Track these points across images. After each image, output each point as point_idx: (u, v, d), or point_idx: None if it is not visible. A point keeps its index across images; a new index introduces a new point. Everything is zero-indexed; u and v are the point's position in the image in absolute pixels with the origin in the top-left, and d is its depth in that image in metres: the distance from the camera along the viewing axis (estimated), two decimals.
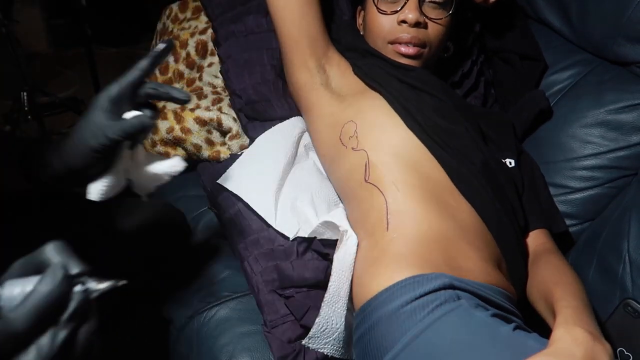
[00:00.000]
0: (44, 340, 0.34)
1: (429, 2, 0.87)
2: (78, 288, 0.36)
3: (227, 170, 0.90)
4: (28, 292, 0.33)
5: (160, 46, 0.57)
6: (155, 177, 0.61)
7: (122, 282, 0.39)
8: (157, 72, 1.10)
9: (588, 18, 0.97)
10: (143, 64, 0.56)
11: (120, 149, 0.57)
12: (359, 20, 0.99)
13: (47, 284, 0.34)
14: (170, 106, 1.03)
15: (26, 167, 0.58)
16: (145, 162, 0.60)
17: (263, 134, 0.95)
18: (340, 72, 0.90)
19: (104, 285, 0.38)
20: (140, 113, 0.56)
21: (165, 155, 1.02)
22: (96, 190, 0.56)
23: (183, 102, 0.58)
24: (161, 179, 0.61)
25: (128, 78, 0.55)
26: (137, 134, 0.54)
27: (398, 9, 0.86)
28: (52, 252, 0.36)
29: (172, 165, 0.61)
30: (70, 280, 0.35)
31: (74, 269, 0.36)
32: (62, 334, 0.35)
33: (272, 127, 0.95)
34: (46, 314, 0.34)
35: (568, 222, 0.94)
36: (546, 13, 1.05)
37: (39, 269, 0.36)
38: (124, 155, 0.58)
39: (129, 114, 0.55)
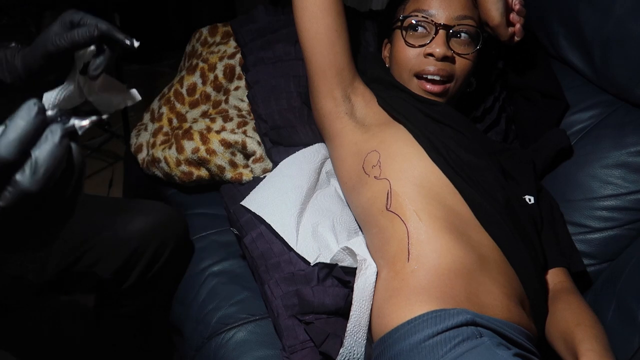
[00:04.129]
0: (37, 151, 0.37)
1: (457, 37, 0.89)
2: (59, 119, 0.39)
3: (251, 193, 0.92)
4: (4, 126, 0.36)
5: (133, 42, 0.62)
6: (113, 103, 0.65)
7: (105, 117, 0.42)
8: (184, 92, 1.13)
9: (610, 60, 0.98)
10: (103, 24, 0.60)
11: (75, 66, 0.61)
12: (385, 53, 1.01)
13: (23, 115, 0.37)
14: (197, 127, 1.06)
15: None
16: (101, 87, 0.64)
17: (286, 159, 0.97)
18: (365, 102, 0.92)
19: (86, 121, 0.41)
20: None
21: (189, 175, 1.04)
22: (49, 97, 0.60)
23: (129, 47, 0.62)
24: (119, 105, 0.66)
25: (91, 17, 0.61)
26: (84, 46, 0.59)
27: (426, 43, 0.89)
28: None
29: (128, 97, 0.65)
30: (43, 109, 0.38)
31: (52, 109, 0.40)
32: (54, 142, 0.38)
33: (296, 152, 0.97)
34: (26, 140, 0.37)
35: (586, 261, 0.94)
36: (569, 53, 1.07)
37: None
38: (80, 77, 0.62)
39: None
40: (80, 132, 0.41)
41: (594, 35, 1.00)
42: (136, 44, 0.62)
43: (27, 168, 0.37)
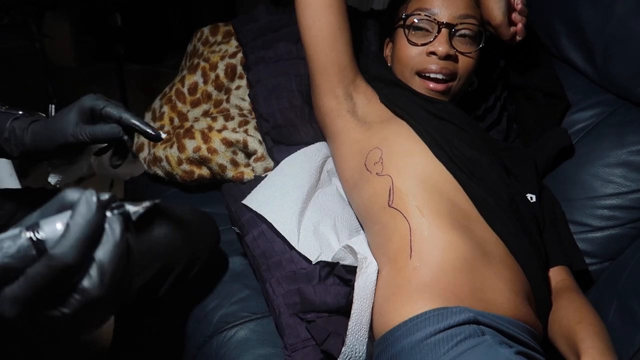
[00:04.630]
0: (100, 253, 0.35)
1: (459, 36, 0.89)
2: (115, 211, 0.36)
3: (252, 191, 0.92)
4: (65, 226, 0.33)
5: (159, 134, 0.63)
6: (120, 174, 0.66)
7: (156, 201, 0.39)
8: (186, 92, 1.13)
9: (612, 60, 0.98)
10: (128, 119, 0.61)
11: (89, 150, 0.64)
12: (387, 52, 1.01)
13: (82, 212, 0.34)
14: (198, 126, 1.06)
15: None
16: (110, 164, 0.65)
17: (288, 158, 0.97)
18: (367, 100, 0.92)
19: (140, 207, 0.38)
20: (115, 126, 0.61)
21: (190, 174, 1.04)
22: (55, 179, 0.62)
23: (154, 139, 0.62)
24: (126, 177, 0.68)
25: (113, 106, 0.62)
26: (105, 141, 0.61)
27: (428, 41, 0.89)
28: (73, 192, 0.36)
29: (135, 169, 0.67)
30: (104, 205, 0.35)
31: (104, 195, 0.36)
32: (115, 240, 0.35)
33: (297, 151, 0.97)
34: (89, 241, 0.34)
35: (588, 260, 0.94)
36: (570, 53, 1.07)
37: (65, 206, 0.36)
38: (90, 158, 0.63)
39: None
40: (134, 219, 0.37)
41: (595, 34, 1.00)
42: (163, 135, 0.63)
43: (94, 273, 0.34)
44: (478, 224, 0.76)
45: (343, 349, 0.68)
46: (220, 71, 1.12)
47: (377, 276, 0.74)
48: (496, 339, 0.63)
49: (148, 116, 1.18)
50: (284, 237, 0.83)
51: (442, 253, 0.71)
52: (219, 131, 1.03)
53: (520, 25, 0.92)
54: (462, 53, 0.89)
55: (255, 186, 0.93)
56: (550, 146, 1.00)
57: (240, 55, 1.12)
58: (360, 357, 0.69)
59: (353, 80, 0.91)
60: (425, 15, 0.89)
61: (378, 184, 0.80)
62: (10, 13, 1.93)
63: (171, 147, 1.04)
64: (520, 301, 0.71)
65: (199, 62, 1.14)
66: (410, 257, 0.72)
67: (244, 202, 0.90)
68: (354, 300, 0.71)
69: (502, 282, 0.71)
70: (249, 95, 1.06)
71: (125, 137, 0.61)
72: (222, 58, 1.14)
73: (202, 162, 1.03)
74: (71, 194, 0.35)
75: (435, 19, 0.88)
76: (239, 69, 1.12)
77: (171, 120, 1.12)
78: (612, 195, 0.95)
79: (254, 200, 0.89)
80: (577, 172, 0.99)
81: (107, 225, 0.35)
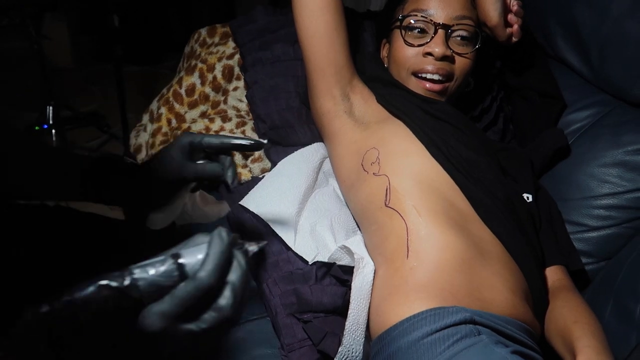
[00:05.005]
0: (233, 277, 0.41)
1: (456, 36, 0.89)
2: (238, 247, 0.44)
3: (249, 192, 0.92)
4: (205, 255, 0.41)
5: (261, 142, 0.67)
6: (209, 215, 0.68)
7: (266, 242, 0.48)
8: (183, 93, 1.13)
9: (607, 60, 0.99)
10: (229, 141, 0.65)
11: (185, 189, 0.66)
12: (383, 53, 1.01)
13: (218, 244, 0.41)
14: (195, 128, 1.06)
15: (89, 185, 0.64)
16: (201, 202, 0.68)
17: (285, 158, 0.97)
18: (364, 100, 0.92)
19: (255, 246, 0.46)
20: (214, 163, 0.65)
21: None
22: (157, 219, 0.65)
23: (259, 147, 0.66)
24: (213, 217, 0.69)
25: (211, 136, 0.65)
26: (210, 179, 0.64)
27: (425, 42, 0.89)
28: (203, 235, 0.44)
29: (221, 210, 0.73)
30: (231, 240, 0.43)
31: (230, 234, 0.43)
32: (243, 268, 0.42)
33: (294, 152, 0.98)
34: (223, 267, 0.41)
35: (584, 260, 0.94)
36: (566, 53, 1.07)
37: (196, 243, 0.43)
38: (186, 195, 0.66)
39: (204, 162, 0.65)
40: (249, 255, 0.45)
41: (591, 35, 1.00)
42: (264, 141, 0.68)
43: (228, 293, 0.41)
44: (475, 223, 0.76)
45: (340, 349, 0.69)
46: (218, 72, 1.13)
47: (374, 276, 0.74)
48: (492, 338, 0.63)
49: (146, 117, 1.18)
50: (280, 238, 0.84)
51: (439, 253, 0.71)
52: (217, 132, 1.03)
53: (516, 27, 0.93)
54: (458, 54, 0.89)
55: (253, 187, 0.94)
56: (546, 146, 1.00)
57: (237, 56, 1.12)
58: (356, 357, 0.70)
59: (350, 81, 0.92)
60: (421, 16, 0.89)
61: (375, 184, 0.81)
62: (9, 14, 1.94)
63: None
64: (518, 300, 0.71)
65: (196, 64, 1.14)
66: (407, 257, 0.72)
67: (242, 202, 0.90)
68: (351, 300, 0.71)
69: (500, 281, 0.71)
70: (246, 96, 1.06)
71: (229, 175, 0.64)
72: (220, 59, 1.14)
73: None
74: (201, 236, 0.43)
75: (431, 20, 0.88)
76: (237, 70, 1.12)
77: (169, 121, 1.12)
78: (608, 195, 0.95)
79: (251, 201, 0.90)
80: (573, 172, 0.99)
81: (234, 256, 0.42)
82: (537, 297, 0.76)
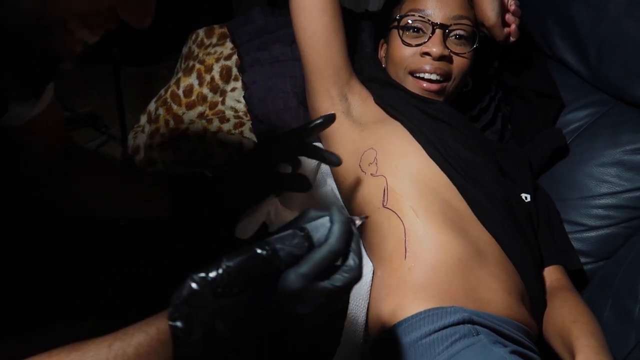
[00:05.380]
0: (354, 245, 0.47)
1: (453, 36, 0.89)
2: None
3: None
4: (330, 225, 0.47)
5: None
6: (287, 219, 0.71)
7: (365, 217, 0.54)
8: (181, 94, 1.13)
9: (605, 60, 0.99)
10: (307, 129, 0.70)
11: (270, 196, 0.71)
12: (381, 53, 1.01)
13: (340, 216, 0.47)
14: (193, 128, 1.06)
15: (176, 203, 0.68)
16: (283, 208, 0.69)
17: None
18: (362, 101, 0.92)
19: (359, 220, 0.51)
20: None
21: None
22: (244, 229, 0.68)
23: (334, 164, 0.70)
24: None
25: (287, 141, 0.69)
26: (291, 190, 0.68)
27: (422, 42, 0.89)
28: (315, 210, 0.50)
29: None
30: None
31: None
32: (357, 236, 0.48)
33: None
34: (348, 234, 0.47)
35: (583, 260, 0.94)
36: (564, 53, 1.07)
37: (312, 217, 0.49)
38: (269, 201, 0.71)
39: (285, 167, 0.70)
40: (356, 227, 0.51)
41: (589, 34, 1.00)
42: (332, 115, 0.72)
43: (353, 255, 0.47)
44: (472, 224, 0.76)
45: (338, 349, 0.68)
46: (216, 73, 1.12)
47: (372, 277, 0.74)
48: (491, 338, 0.63)
49: (144, 119, 1.18)
50: None
51: (437, 253, 0.71)
52: (215, 133, 1.03)
53: (513, 26, 0.93)
54: (456, 54, 0.89)
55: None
56: (544, 146, 1.00)
57: (235, 57, 1.12)
58: (355, 356, 0.69)
59: (348, 82, 0.91)
60: (419, 15, 0.89)
61: (372, 184, 0.81)
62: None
63: (167, 149, 1.04)
64: (514, 301, 0.72)
65: (194, 64, 1.14)
66: (405, 257, 0.72)
67: None
68: (349, 300, 0.71)
69: (495, 282, 0.71)
70: (244, 97, 1.06)
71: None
72: (217, 60, 1.14)
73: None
74: (314, 211, 0.49)
75: (429, 20, 0.88)
76: (234, 70, 1.12)
77: (167, 122, 1.12)
78: (607, 194, 0.95)
79: None
80: (571, 172, 0.99)
81: (350, 228, 0.48)
82: (535, 297, 0.76)
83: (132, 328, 0.43)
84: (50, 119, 0.63)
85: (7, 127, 0.58)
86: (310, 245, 0.46)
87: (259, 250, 0.43)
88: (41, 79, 0.48)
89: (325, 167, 0.98)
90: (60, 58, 0.47)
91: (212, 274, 0.42)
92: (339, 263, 0.46)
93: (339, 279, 0.45)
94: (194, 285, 0.41)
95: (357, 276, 0.46)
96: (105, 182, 0.70)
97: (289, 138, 0.70)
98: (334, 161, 0.70)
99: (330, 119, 0.70)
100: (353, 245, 0.47)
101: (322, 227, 0.47)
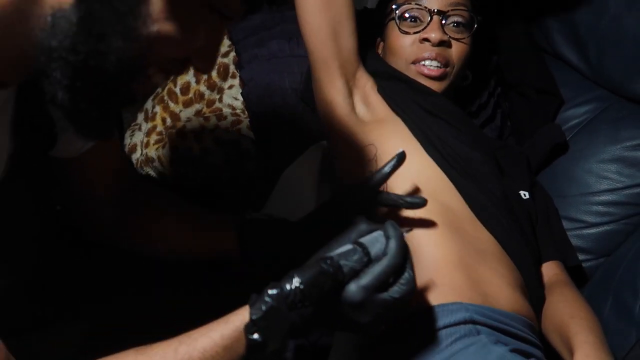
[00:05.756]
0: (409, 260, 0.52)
1: (451, 23, 0.89)
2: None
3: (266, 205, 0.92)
4: (386, 240, 0.52)
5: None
6: None
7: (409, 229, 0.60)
8: (178, 92, 1.12)
9: (606, 56, 0.98)
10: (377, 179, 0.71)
11: None
12: (378, 51, 1.00)
13: (396, 230, 0.52)
14: (190, 126, 1.05)
15: (248, 243, 0.69)
16: None
17: (285, 172, 0.96)
18: (365, 95, 0.90)
19: (404, 231, 0.55)
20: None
21: None
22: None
23: (417, 206, 0.71)
24: None
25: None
26: None
27: (420, 29, 0.88)
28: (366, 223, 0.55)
29: None
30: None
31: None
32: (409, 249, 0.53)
33: (293, 163, 0.97)
34: (405, 248, 0.52)
35: (582, 257, 0.94)
36: (563, 49, 1.07)
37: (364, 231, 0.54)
38: None
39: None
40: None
41: (588, 30, 1.00)
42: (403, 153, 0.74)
43: (409, 269, 0.51)
44: (470, 222, 0.76)
45: (336, 346, 0.68)
46: (213, 70, 1.12)
47: None
48: (491, 338, 0.63)
49: (140, 117, 1.17)
50: None
51: (436, 251, 0.71)
52: (212, 131, 1.02)
53: None
54: (455, 39, 0.89)
55: None
56: (544, 143, 1.00)
57: (232, 54, 1.11)
58: (355, 356, 0.69)
59: (354, 74, 0.88)
60: (415, 4, 0.88)
61: None
62: None
63: (163, 147, 1.03)
64: (518, 294, 0.71)
65: None
66: None
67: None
68: None
69: (498, 276, 0.71)
70: (242, 94, 1.06)
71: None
72: None
73: None
74: (365, 223, 0.54)
75: (425, 7, 0.88)
76: (232, 68, 1.11)
77: (163, 120, 1.11)
78: (607, 191, 0.95)
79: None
80: (571, 169, 0.99)
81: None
82: (533, 293, 0.76)
83: (194, 333, 0.46)
84: (108, 151, 0.63)
85: (58, 158, 0.58)
86: (369, 259, 0.50)
87: (325, 267, 0.47)
88: (111, 119, 0.48)
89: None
90: (134, 99, 0.47)
91: (287, 290, 0.45)
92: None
93: (397, 291, 0.49)
94: (271, 300, 0.45)
95: (413, 288, 0.50)
96: (175, 220, 0.69)
97: (366, 190, 0.70)
98: (418, 202, 0.70)
99: (401, 157, 0.71)
100: (408, 258, 0.51)
101: (377, 241, 0.51)
